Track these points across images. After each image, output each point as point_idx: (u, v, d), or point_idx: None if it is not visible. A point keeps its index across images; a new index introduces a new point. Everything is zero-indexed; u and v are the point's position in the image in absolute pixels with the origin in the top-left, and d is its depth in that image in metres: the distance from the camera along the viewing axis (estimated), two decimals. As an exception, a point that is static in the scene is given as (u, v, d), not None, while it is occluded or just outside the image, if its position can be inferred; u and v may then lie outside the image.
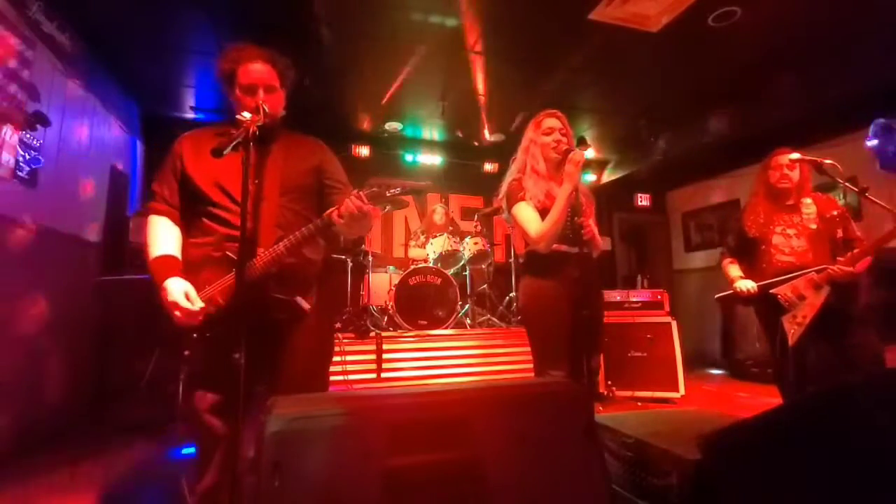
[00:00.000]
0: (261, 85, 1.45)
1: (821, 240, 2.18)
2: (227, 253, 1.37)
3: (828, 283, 2.08)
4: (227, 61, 1.48)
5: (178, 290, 1.31)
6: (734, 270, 2.35)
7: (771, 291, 2.19)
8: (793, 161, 2.20)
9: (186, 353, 1.44)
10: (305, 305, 1.50)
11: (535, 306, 1.88)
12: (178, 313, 1.30)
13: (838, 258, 2.10)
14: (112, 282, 3.35)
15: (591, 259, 1.86)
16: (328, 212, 1.41)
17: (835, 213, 2.20)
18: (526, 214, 1.85)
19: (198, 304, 1.32)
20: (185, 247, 1.43)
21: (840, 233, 2.18)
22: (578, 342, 1.72)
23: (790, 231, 2.21)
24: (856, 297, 2.15)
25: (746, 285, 2.24)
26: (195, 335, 1.35)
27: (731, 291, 2.31)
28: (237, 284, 1.22)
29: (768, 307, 2.21)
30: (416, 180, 5.58)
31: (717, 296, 2.46)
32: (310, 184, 1.55)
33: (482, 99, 4.48)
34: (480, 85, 4.21)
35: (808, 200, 2.24)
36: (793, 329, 2.13)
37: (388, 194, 1.42)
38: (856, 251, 2.08)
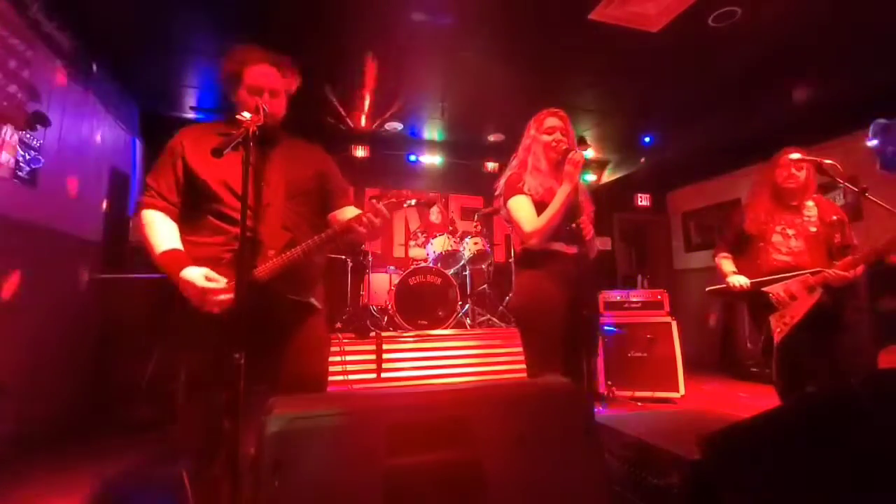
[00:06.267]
0: (266, 88, 1.47)
1: (819, 243, 2.18)
2: None
3: (821, 285, 2.08)
4: (233, 62, 1.49)
5: (200, 275, 1.30)
6: (728, 265, 2.37)
7: (763, 289, 2.19)
8: (799, 161, 2.20)
9: (189, 352, 1.42)
10: (319, 306, 1.55)
11: (529, 305, 1.86)
12: (211, 298, 1.30)
13: (835, 262, 2.10)
14: (112, 281, 3.35)
15: (587, 259, 1.84)
16: (352, 218, 1.45)
17: (835, 217, 2.21)
18: (522, 208, 1.83)
19: (223, 282, 1.32)
20: (188, 245, 1.40)
21: (838, 238, 2.18)
22: (574, 343, 1.72)
23: (790, 231, 2.22)
24: (849, 301, 2.15)
25: (739, 281, 2.25)
26: (206, 335, 1.33)
27: (724, 286, 2.32)
28: (238, 283, 1.21)
29: (759, 305, 2.22)
30: (417, 180, 5.78)
31: (708, 289, 2.48)
32: (313, 188, 1.59)
33: (482, 99, 4.48)
34: (480, 85, 4.21)
35: (811, 203, 2.24)
36: (779, 328, 2.14)
37: (404, 205, 1.54)
38: (849, 258, 2.08)
